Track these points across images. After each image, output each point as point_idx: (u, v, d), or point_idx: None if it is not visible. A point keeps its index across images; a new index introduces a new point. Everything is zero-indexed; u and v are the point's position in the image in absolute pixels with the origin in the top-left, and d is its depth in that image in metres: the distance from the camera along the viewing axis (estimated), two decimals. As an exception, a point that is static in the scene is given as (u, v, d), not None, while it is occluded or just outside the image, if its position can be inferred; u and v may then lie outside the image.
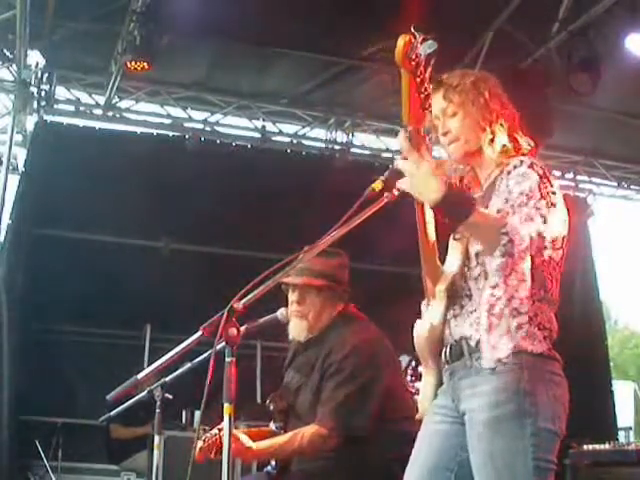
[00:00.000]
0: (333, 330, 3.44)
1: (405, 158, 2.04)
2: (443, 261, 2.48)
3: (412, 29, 2.01)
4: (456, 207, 2.05)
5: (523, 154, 2.39)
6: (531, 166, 2.30)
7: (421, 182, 2.02)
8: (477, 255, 2.35)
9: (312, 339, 3.48)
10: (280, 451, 3.29)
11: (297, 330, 3.45)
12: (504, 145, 2.40)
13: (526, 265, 2.13)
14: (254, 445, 3.25)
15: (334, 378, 3.28)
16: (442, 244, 2.46)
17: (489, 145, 2.41)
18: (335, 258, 3.46)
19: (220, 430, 3.23)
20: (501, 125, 2.41)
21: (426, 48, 2.01)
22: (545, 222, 2.18)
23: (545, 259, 2.23)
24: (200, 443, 3.32)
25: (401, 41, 1.98)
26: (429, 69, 2.03)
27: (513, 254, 2.10)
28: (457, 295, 2.38)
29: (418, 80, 2.01)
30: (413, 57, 1.97)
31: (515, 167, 2.31)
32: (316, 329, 3.46)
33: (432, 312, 2.43)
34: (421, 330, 2.44)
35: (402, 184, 2.08)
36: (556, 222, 2.26)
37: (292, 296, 3.46)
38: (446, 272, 2.43)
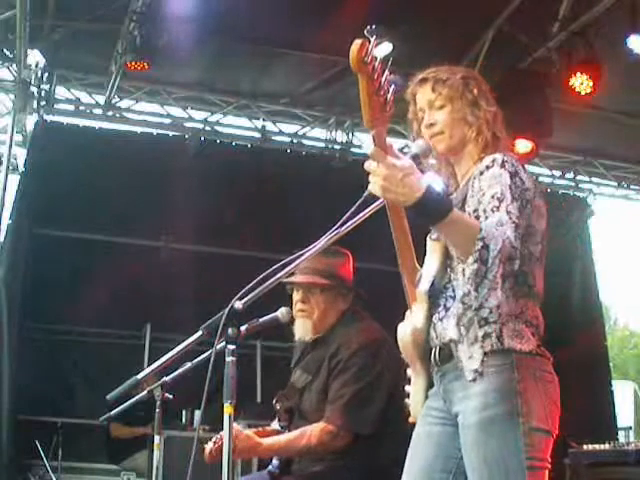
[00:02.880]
0: (339, 329, 3.44)
1: (373, 164, 1.99)
2: (421, 263, 2.46)
3: (365, 32, 1.99)
4: (432, 208, 2.01)
5: (504, 149, 2.37)
6: (503, 165, 2.26)
7: (396, 183, 1.97)
8: None
9: (318, 339, 3.48)
10: (289, 447, 3.27)
11: (302, 330, 3.45)
12: (486, 143, 2.39)
13: (499, 273, 2.07)
14: (263, 442, 3.25)
15: (341, 376, 3.28)
16: (420, 246, 2.45)
17: (473, 141, 2.41)
18: (339, 257, 3.47)
19: None
20: (486, 123, 2.40)
21: (381, 50, 2.00)
22: (517, 228, 2.13)
23: (508, 275, 2.18)
24: (210, 444, 3.31)
25: (354, 46, 1.95)
26: (386, 72, 2.01)
27: (487, 261, 2.03)
28: (440, 296, 2.35)
29: (376, 84, 2.00)
30: (368, 60, 1.96)
31: (487, 167, 2.28)
32: (321, 328, 3.47)
33: (414, 315, 2.41)
34: (405, 333, 2.42)
35: (371, 188, 2.02)
36: (533, 218, 2.24)
37: (296, 295, 3.47)
38: (426, 274, 2.40)
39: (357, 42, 1.94)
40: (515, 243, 2.10)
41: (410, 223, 2.32)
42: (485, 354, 2.20)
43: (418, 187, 1.97)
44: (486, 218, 2.16)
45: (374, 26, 1.98)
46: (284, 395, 3.52)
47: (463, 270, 2.15)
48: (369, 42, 1.95)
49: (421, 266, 2.46)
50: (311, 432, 3.23)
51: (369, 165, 2.01)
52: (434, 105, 2.44)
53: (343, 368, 3.29)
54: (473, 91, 2.42)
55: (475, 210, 2.23)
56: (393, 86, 2.02)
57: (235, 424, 3.18)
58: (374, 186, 1.99)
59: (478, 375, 2.20)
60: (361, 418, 3.24)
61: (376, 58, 1.97)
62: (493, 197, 2.19)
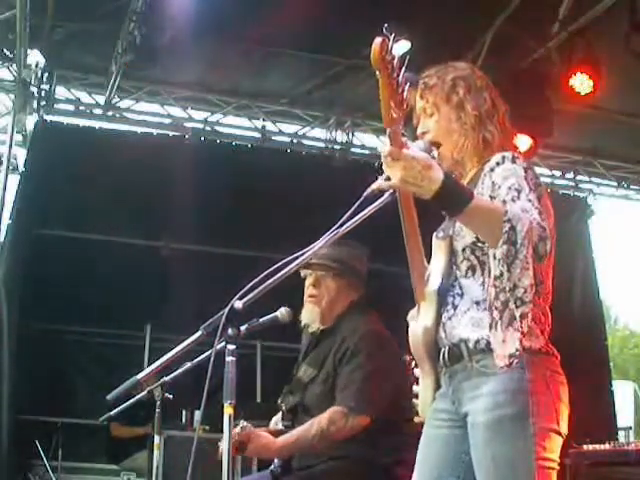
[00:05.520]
0: (345, 321, 3.46)
1: (390, 158, 1.97)
2: (428, 262, 2.45)
3: (384, 30, 1.98)
4: (456, 194, 2.00)
5: (504, 150, 2.35)
6: (514, 161, 2.27)
7: (414, 175, 1.95)
8: (464, 250, 2.33)
9: (325, 331, 3.49)
10: (302, 438, 3.23)
11: (310, 316, 3.47)
12: (476, 147, 2.38)
13: (529, 253, 2.06)
14: (276, 440, 3.25)
15: (349, 364, 3.29)
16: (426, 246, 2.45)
17: (462, 146, 2.40)
18: (357, 251, 3.50)
19: (242, 428, 3.22)
20: (474, 126, 2.39)
21: (400, 48, 1.99)
22: (541, 213, 2.13)
23: (542, 257, 2.14)
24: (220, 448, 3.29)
25: (375, 43, 1.93)
26: (403, 69, 2.00)
27: (516, 242, 2.03)
28: (448, 295, 2.35)
29: (394, 81, 1.99)
30: (389, 59, 1.95)
31: (498, 164, 2.28)
32: (329, 318, 3.48)
33: (424, 314, 2.40)
34: (416, 333, 2.41)
35: (391, 184, 2.00)
36: (545, 214, 2.22)
37: (308, 280, 3.50)
38: (433, 272, 2.39)
39: (378, 39, 1.94)
40: (543, 224, 2.09)
41: (420, 216, 2.32)
42: (523, 335, 2.17)
43: (437, 178, 1.96)
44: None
45: (393, 23, 1.98)
46: (290, 390, 3.51)
47: (494, 254, 2.12)
48: (389, 39, 1.94)
49: (429, 264, 2.46)
50: (320, 417, 3.22)
51: (384, 165, 1.99)
52: (426, 112, 2.44)
53: (350, 355, 3.30)
54: (459, 93, 2.41)
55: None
56: (409, 84, 2.01)
57: (245, 423, 3.21)
58: (393, 179, 1.98)
59: (515, 359, 2.16)
60: (372, 400, 3.24)
61: (395, 56, 1.96)
62: (510, 188, 2.19)
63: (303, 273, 3.47)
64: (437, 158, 2.38)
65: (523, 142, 6.68)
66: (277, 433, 3.46)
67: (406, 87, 2.00)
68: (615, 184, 9.36)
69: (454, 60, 2.56)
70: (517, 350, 2.17)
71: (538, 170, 8.91)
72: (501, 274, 2.13)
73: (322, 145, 8.61)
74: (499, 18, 6.63)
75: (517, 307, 2.19)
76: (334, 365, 3.34)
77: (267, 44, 7.05)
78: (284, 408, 3.52)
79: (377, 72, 1.98)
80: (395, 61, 1.96)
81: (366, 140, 8.72)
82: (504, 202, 2.16)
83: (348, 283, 3.50)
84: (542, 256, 2.11)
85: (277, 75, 7.74)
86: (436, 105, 2.42)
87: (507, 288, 2.17)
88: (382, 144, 2.09)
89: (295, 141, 8.56)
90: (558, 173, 9.31)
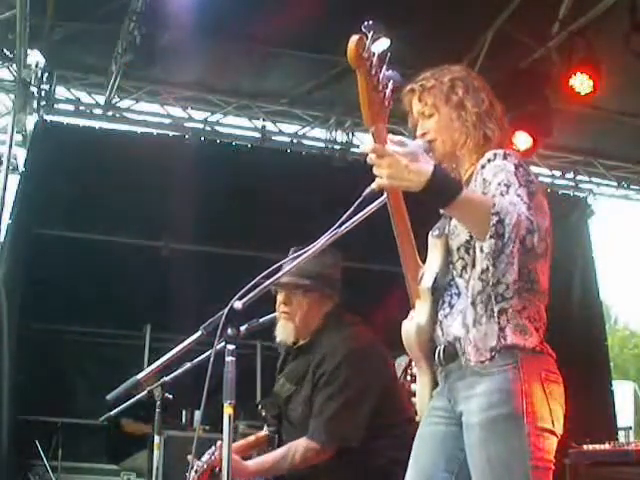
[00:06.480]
0: (323, 335, 3.39)
1: (375, 156, 1.96)
2: (423, 261, 2.45)
3: (362, 28, 1.97)
4: (443, 189, 1.99)
5: (501, 148, 2.34)
6: (505, 157, 2.27)
7: (401, 169, 1.95)
8: (459, 249, 2.32)
9: (302, 346, 3.44)
10: (275, 467, 3.26)
11: (284, 333, 3.40)
12: (477, 144, 2.38)
13: (515, 249, 2.05)
14: (249, 465, 3.25)
15: (325, 390, 3.25)
16: (421, 246, 2.45)
17: (464, 145, 2.40)
18: (327, 257, 3.37)
19: (210, 456, 3.25)
20: (475, 123, 2.39)
21: (378, 46, 1.98)
22: (529, 208, 2.12)
23: (529, 250, 2.13)
24: (192, 474, 3.30)
25: (352, 42, 1.93)
26: (384, 67, 1.99)
27: (503, 235, 2.02)
28: (445, 294, 2.35)
29: (374, 79, 1.98)
30: (366, 56, 1.94)
31: (489, 160, 2.28)
32: (305, 333, 3.42)
33: (418, 313, 2.40)
34: (409, 332, 2.41)
35: (380, 184, 1.99)
36: (537, 211, 2.21)
37: (279, 297, 3.43)
38: (428, 271, 2.39)
39: (354, 38, 1.93)
40: (530, 217, 2.08)
41: (412, 213, 2.31)
42: (501, 329, 2.19)
43: (425, 171, 1.96)
44: None
45: (371, 22, 1.97)
46: (269, 403, 3.50)
47: (481, 247, 2.12)
48: (366, 38, 1.93)
49: (424, 263, 2.46)
50: (295, 450, 3.21)
51: (372, 163, 1.98)
52: (424, 114, 2.44)
53: (327, 381, 3.25)
54: (458, 93, 2.41)
55: None
56: (391, 82, 2.00)
57: (218, 442, 3.21)
58: (380, 177, 1.97)
59: (497, 353, 2.18)
60: (345, 434, 3.21)
61: (374, 54, 1.95)
62: (500, 184, 2.18)
63: (273, 289, 3.36)
64: (434, 155, 2.40)
65: (523, 141, 6.68)
66: (263, 439, 3.47)
67: (388, 85, 2.00)
68: (615, 184, 9.36)
69: (454, 60, 2.57)
70: (497, 344, 2.19)
71: (538, 170, 8.94)
72: (487, 268, 2.15)
73: (322, 145, 8.61)
74: (499, 18, 6.63)
75: (497, 303, 2.21)
76: (312, 384, 3.29)
77: (267, 44, 7.05)
78: (264, 414, 3.51)
79: (355, 70, 1.97)
80: (374, 59, 1.95)
81: (366, 140, 8.71)
82: (493, 197, 2.15)
83: (320, 295, 3.41)
84: (529, 249, 2.10)
85: (277, 75, 7.74)
86: (435, 106, 2.42)
87: (491, 283, 2.18)
88: (364, 144, 2.09)
89: (295, 141, 8.56)
90: (558, 173, 9.30)
